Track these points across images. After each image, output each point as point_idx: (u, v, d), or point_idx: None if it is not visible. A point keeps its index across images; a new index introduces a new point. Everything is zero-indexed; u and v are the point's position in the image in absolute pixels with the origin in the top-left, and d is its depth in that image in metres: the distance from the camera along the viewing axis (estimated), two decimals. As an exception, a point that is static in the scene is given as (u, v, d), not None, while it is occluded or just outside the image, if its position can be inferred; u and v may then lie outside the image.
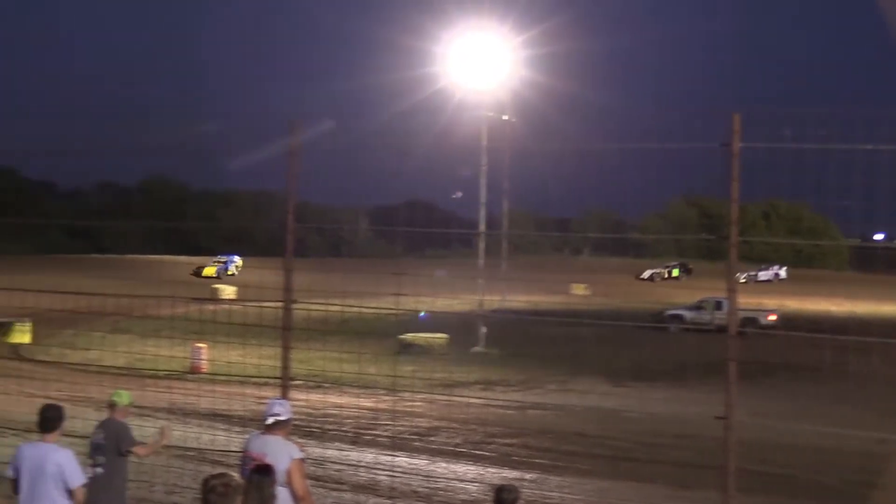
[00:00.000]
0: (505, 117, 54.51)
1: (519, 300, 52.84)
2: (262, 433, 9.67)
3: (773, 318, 54.30)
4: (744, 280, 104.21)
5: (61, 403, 10.55)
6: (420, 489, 18.29)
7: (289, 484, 9.28)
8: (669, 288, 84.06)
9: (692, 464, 19.40)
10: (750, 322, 45.88)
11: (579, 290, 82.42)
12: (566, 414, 25.98)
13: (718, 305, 49.35)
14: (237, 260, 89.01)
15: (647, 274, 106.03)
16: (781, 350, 35.35)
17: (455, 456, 22.20)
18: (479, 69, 54.55)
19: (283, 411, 9.60)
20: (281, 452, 9.29)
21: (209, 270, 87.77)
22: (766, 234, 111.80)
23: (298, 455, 9.49)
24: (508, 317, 47.86)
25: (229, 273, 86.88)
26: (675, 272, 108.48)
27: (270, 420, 9.51)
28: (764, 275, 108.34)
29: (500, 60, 54.72)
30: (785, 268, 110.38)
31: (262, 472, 7.82)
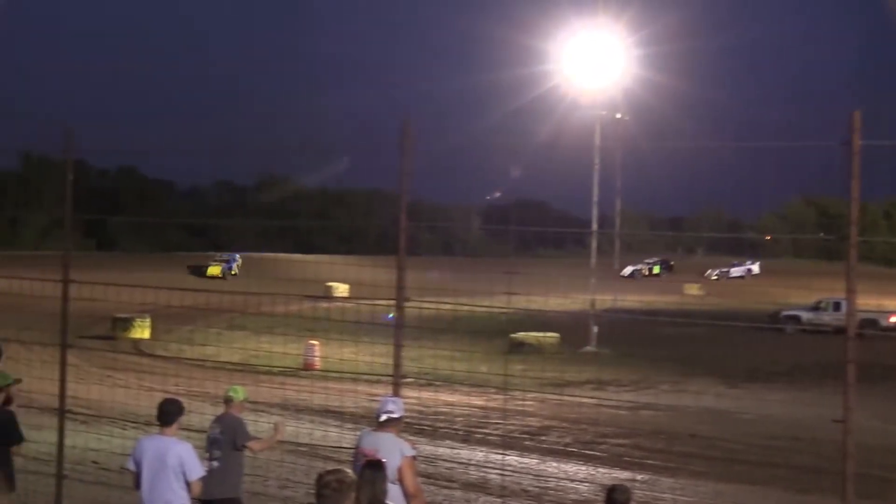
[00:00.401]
0: (618, 115, 54.22)
1: (631, 300, 52.34)
2: (375, 430, 9.73)
3: (894, 319, 53.06)
4: (715, 277, 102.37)
5: (179, 398, 10.76)
6: (530, 488, 18.21)
7: (400, 481, 9.33)
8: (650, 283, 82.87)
9: (809, 467, 19.00)
10: (870, 324, 44.64)
11: (692, 290, 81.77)
12: (679, 415, 25.64)
13: (837, 306, 48.48)
14: (238, 259, 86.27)
15: (627, 270, 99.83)
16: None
17: (566, 455, 22.02)
18: (593, 67, 54.22)
19: (395, 409, 9.64)
20: (393, 449, 9.34)
21: (214, 270, 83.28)
22: (888, 234, 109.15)
23: (410, 452, 9.53)
24: (620, 316, 47.47)
25: (233, 273, 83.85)
26: (657, 269, 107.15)
27: (383, 417, 9.56)
28: (736, 271, 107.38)
29: (614, 59, 54.41)
30: (758, 263, 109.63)
31: (374, 468, 7.89)
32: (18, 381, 11.45)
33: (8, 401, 11.10)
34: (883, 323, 51.23)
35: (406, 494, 9.38)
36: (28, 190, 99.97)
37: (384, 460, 8.92)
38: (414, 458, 9.58)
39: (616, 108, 54.14)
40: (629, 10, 58.68)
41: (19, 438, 10.94)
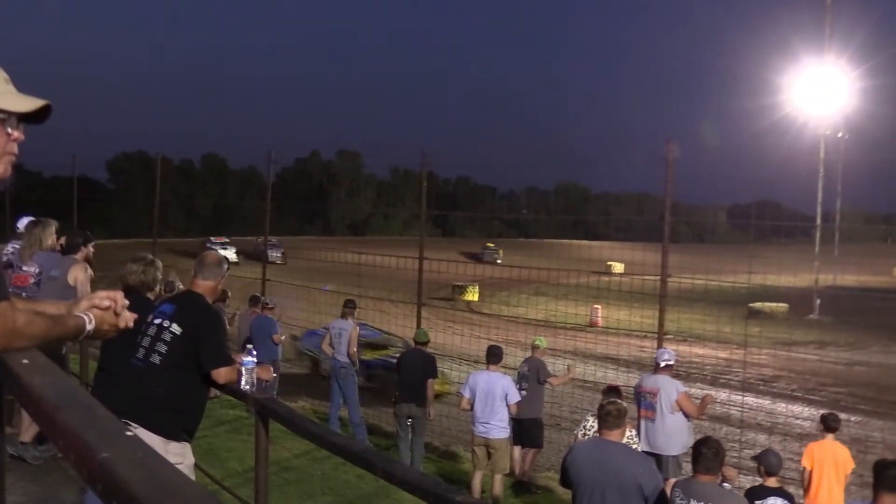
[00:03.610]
0: (839, 134, 51.51)
1: (848, 279, 49.64)
2: (653, 373, 9.72)
3: None
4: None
5: (500, 344, 10.96)
6: (763, 422, 17.60)
7: (681, 409, 9.35)
8: None
9: None
10: None
11: (901, 271, 75.99)
12: (888, 371, 24.16)
13: None
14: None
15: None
16: None
17: (792, 399, 21.25)
18: (819, 97, 51.51)
19: (670, 357, 9.73)
20: (670, 387, 9.42)
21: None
22: None
23: (683, 389, 9.72)
24: (839, 292, 44.87)
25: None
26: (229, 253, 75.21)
27: (662, 363, 9.61)
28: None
29: (838, 88, 51.42)
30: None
31: (616, 390, 8.94)
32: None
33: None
34: None
35: (688, 416, 9.49)
36: (395, 193, 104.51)
37: (664, 395, 9.34)
38: (686, 392, 9.64)
39: (838, 128, 51.39)
40: (851, 48, 55.73)
41: (434, 375, 11.36)
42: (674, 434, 9.31)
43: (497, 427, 9.89)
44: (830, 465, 8.60)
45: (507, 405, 9.92)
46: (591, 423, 8.28)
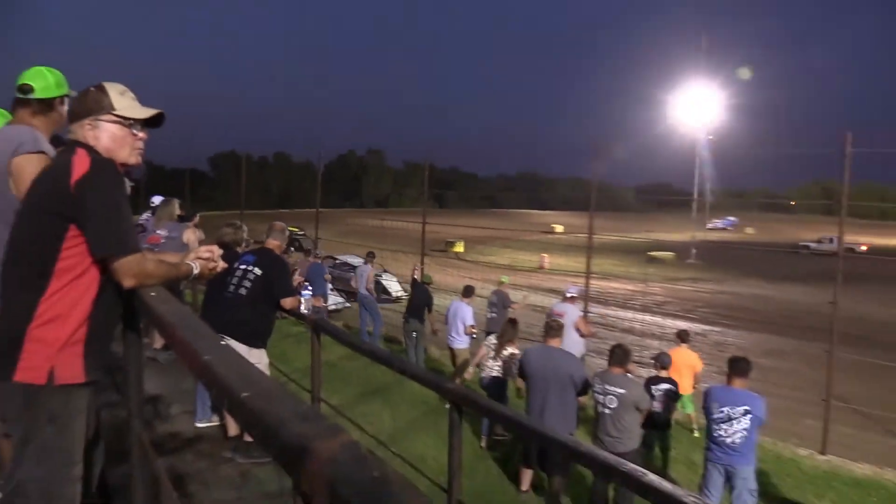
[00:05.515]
0: (709, 137, 51.67)
1: (712, 235, 49.29)
2: (562, 301, 9.42)
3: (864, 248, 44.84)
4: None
5: (476, 282, 10.83)
6: (656, 333, 16.85)
7: (577, 329, 8.87)
8: None
9: None
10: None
11: None
12: (740, 297, 23.81)
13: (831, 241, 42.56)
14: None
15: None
16: None
17: (675, 316, 20.13)
18: (698, 109, 51.78)
19: (575, 292, 9.23)
20: (574, 312, 9.19)
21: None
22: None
23: (580, 314, 9.14)
24: (709, 245, 44.39)
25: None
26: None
27: (569, 294, 9.20)
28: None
29: (711, 105, 51.61)
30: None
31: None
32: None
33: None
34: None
35: (583, 334, 9.06)
36: (406, 179, 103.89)
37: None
38: (583, 316, 9.19)
39: (710, 133, 51.68)
40: (722, 72, 55.64)
41: (431, 309, 10.79)
42: (573, 345, 8.65)
43: (457, 339, 9.72)
44: (686, 368, 8.66)
45: (464, 326, 9.85)
46: (490, 339, 7.83)
